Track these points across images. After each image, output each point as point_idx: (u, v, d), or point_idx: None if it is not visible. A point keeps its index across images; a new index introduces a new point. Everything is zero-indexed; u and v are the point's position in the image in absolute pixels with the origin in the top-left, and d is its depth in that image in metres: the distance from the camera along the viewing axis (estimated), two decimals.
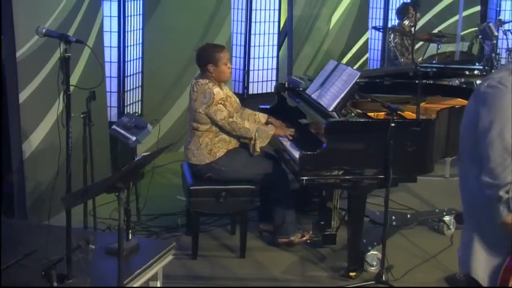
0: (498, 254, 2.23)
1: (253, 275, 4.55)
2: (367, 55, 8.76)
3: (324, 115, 4.47)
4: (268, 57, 7.66)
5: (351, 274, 4.44)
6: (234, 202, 4.66)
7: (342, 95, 4.51)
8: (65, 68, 3.04)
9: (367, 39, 8.70)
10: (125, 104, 6.24)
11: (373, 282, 4.35)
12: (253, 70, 7.56)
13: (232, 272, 4.58)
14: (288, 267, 4.67)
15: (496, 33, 5.12)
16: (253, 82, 7.58)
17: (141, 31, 6.35)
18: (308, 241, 4.87)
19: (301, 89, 5.21)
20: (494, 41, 5.07)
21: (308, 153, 4.23)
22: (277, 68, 7.74)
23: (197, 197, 4.63)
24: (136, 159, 2.86)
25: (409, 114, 4.62)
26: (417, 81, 4.49)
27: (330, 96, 4.61)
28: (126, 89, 6.21)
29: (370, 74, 5.22)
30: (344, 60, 8.60)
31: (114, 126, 3.63)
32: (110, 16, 5.99)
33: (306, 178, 4.22)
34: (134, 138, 3.54)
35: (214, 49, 4.84)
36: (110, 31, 6.01)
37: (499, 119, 2.17)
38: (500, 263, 2.21)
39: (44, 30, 3.14)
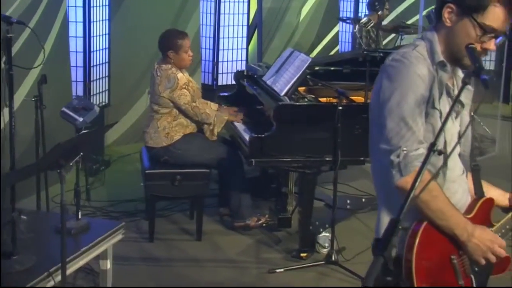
0: (405, 220, 2.30)
1: (208, 257, 4.65)
2: (337, 48, 8.87)
3: (275, 99, 4.57)
4: (237, 49, 7.76)
5: (302, 255, 4.54)
6: (189, 186, 4.76)
7: (294, 80, 4.62)
8: (7, 49, 3.12)
9: (338, 31, 8.80)
10: (92, 94, 6.32)
11: (323, 262, 4.45)
12: (222, 61, 7.65)
13: (188, 254, 4.68)
14: (243, 249, 4.77)
15: None
16: (222, 73, 7.68)
17: (107, 21, 6.43)
18: (264, 224, 4.97)
19: (260, 76, 5.31)
20: None
21: (257, 136, 4.33)
22: (247, 60, 7.84)
23: (152, 181, 4.73)
24: (76, 135, 2.94)
25: (361, 99, 4.72)
26: (367, 66, 4.59)
27: (283, 82, 4.72)
28: (92, 79, 6.29)
29: (321, 61, 5.32)
30: (315, 53, 8.71)
31: (63, 108, 3.71)
32: (75, 7, 6.07)
33: (255, 160, 4.33)
34: (81, 119, 3.62)
35: (176, 36, 4.93)
36: (76, 21, 6.09)
37: (398, 90, 2.25)
38: (407, 228, 2.30)
39: None
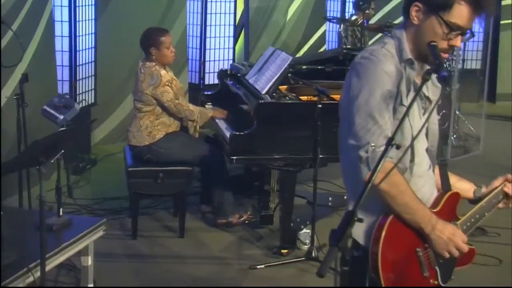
0: (373, 213, 2.37)
1: (191, 253, 4.70)
2: (324, 47, 8.92)
3: (256, 98, 4.63)
4: (224, 48, 7.81)
5: (283, 251, 4.60)
6: (172, 183, 4.81)
7: (275, 78, 4.68)
8: None
9: (325, 31, 8.86)
10: (78, 93, 6.37)
11: (303, 258, 4.51)
12: (209, 60, 7.70)
13: (171, 251, 4.73)
14: (226, 246, 4.83)
15: None
16: (209, 72, 7.72)
17: (93, 21, 6.48)
18: (246, 221, 5.03)
19: (243, 74, 5.36)
20: None
21: (238, 133, 4.39)
22: (234, 59, 7.88)
23: (135, 178, 4.79)
24: (53, 133, 2.98)
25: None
26: (346, 65, 4.64)
27: (265, 80, 4.78)
28: (78, 78, 6.34)
29: (302, 60, 5.39)
30: (302, 52, 8.76)
31: (44, 106, 3.77)
32: (61, 6, 6.12)
33: (236, 157, 4.39)
34: (62, 117, 3.68)
35: (157, 33, 4.99)
36: (61, 21, 6.14)
37: (366, 87, 2.31)
38: (374, 221, 2.36)
39: None
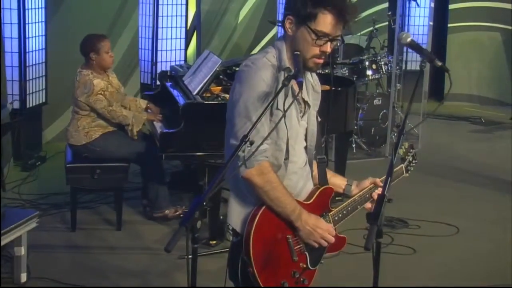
0: (249, 204, 2.68)
1: (126, 245, 4.99)
2: None
3: (187, 98, 4.93)
4: (176, 50, 8.06)
5: (211, 242, 4.90)
6: (108, 179, 5.10)
7: (205, 80, 4.98)
8: None
9: (276, 33, 9.14)
10: (27, 93, 6.62)
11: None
12: (161, 62, 7.95)
13: (107, 242, 5.02)
14: (159, 237, 5.11)
15: None
16: None
17: (43, 23, 6.72)
18: (181, 215, 5.30)
19: (180, 76, 5.64)
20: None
21: (166, 131, 4.69)
22: (185, 60, 8.14)
23: (73, 174, 5.06)
24: None
25: None
26: None
27: (197, 82, 5.08)
28: (28, 78, 6.59)
29: (236, 61, 5.67)
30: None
31: None
32: (10, 9, 6.35)
33: (165, 154, 4.68)
34: None
35: (96, 38, 5.27)
36: (11, 23, 6.38)
37: (246, 93, 2.61)
38: (250, 211, 2.67)
39: None
